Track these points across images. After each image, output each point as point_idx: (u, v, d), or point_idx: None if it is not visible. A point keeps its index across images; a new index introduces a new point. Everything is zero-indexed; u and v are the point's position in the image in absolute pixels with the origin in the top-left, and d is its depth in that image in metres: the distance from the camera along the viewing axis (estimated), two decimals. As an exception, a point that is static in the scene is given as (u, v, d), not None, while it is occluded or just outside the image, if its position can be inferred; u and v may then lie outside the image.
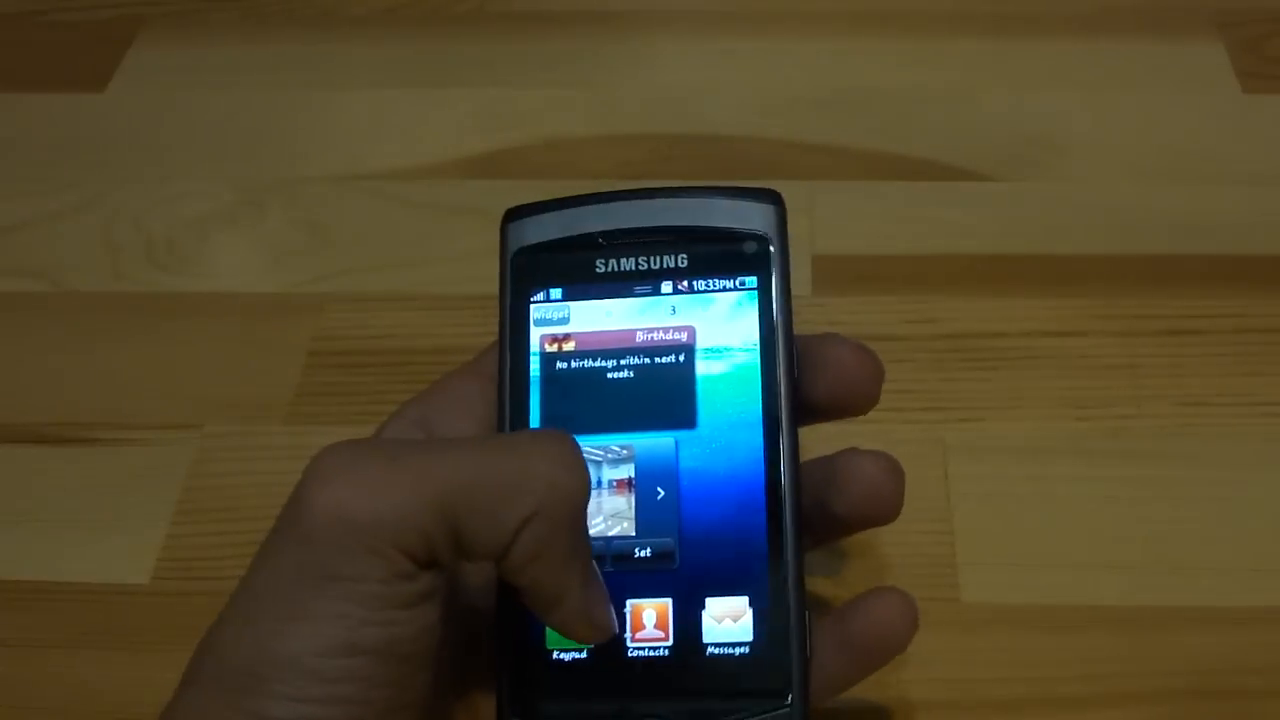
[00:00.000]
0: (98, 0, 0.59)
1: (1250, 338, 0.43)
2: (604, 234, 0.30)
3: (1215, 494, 0.39)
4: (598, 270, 0.30)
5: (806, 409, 0.29)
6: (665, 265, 0.30)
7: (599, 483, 0.29)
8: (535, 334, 0.30)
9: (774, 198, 0.30)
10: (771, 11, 0.56)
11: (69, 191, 0.51)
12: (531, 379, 0.30)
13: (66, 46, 0.58)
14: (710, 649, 0.28)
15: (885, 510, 0.29)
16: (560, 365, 0.30)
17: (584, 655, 0.28)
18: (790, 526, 0.28)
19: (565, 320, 0.30)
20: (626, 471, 0.29)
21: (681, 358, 0.29)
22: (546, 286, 0.30)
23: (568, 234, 0.30)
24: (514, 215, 0.31)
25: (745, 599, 0.28)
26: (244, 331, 0.46)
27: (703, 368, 0.29)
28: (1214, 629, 0.36)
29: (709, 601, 0.28)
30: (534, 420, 0.29)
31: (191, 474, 0.42)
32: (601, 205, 0.30)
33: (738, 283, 0.30)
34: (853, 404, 0.30)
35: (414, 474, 0.24)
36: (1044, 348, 0.43)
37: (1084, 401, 0.42)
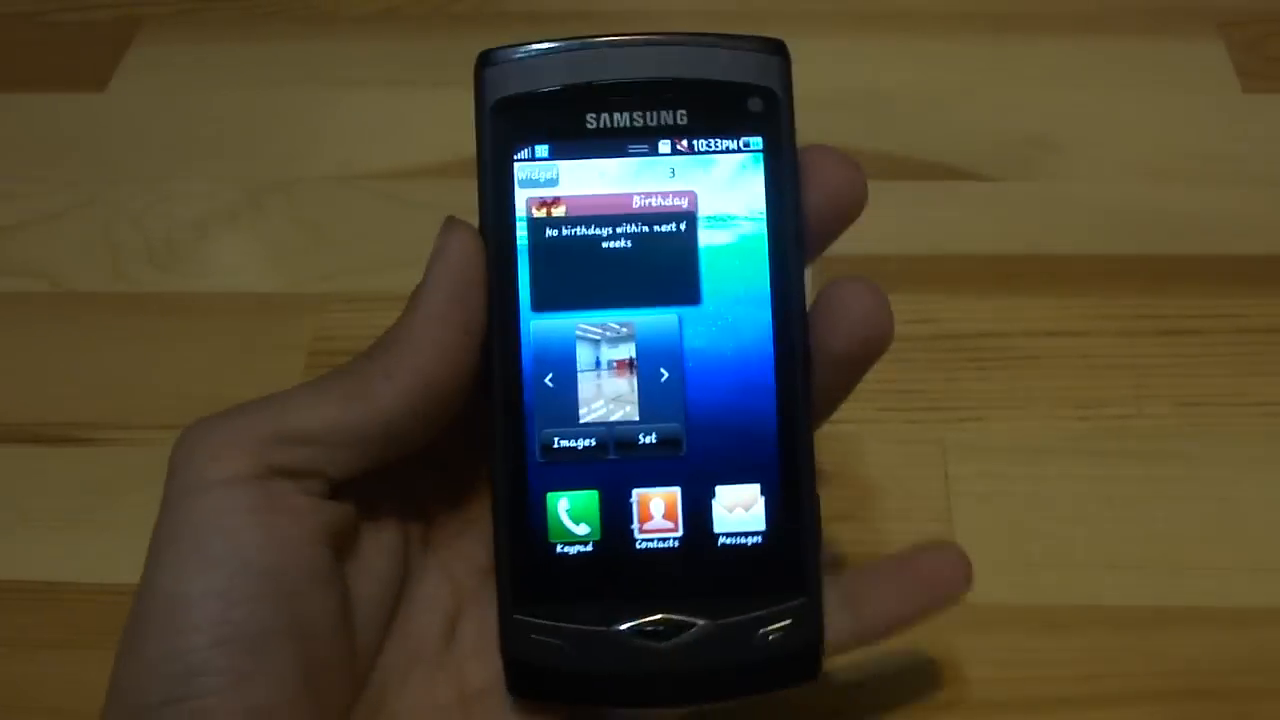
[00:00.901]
0: (98, 0, 0.59)
1: (1250, 338, 0.43)
2: (595, 85, 0.27)
3: (1215, 494, 0.39)
4: (588, 126, 0.27)
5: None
6: (663, 122, 0.27)
7: (597, 363, 0.27)
8: (521, 196, 0.27)
9: (778, 47, 0.28)
10: (771, 11, 0.56)
11: (69, 191, 0.51)
12: (518, 247, 0.27)
13: (66, 46, 0.58)
14: (722, 539, 0.27)
15: (882, 331, 0.27)
16: (550, 232, 0.27)
17: (589, 548, 0.27)
18: (802, 409, 0.27)
19: (554, 182, 0.27)
20: (627, 351, 0.27)
21: (683, 226, 0.27)
22: (532, 143, 0.27)
23: (554, 84, 0.27)
24: (490, 59, 0.27)
25: (757, 486, 0.27)
26: (244, 331, 0.46)
27: (706, 238, 0.27)
28: (1214, 629, 0.36)
29: (719, 490, 0.27)
30: (523, 293, 0.27)
31: (191, 474, 0.41)
32: (589, 52, 0.28)
33: (742, 144, 0.27)
34: (845, 213, 0.28)
35: (256, 409, 0.26)
36: (1044, 348, 0.44)
37: (1084, 401, 0.42)
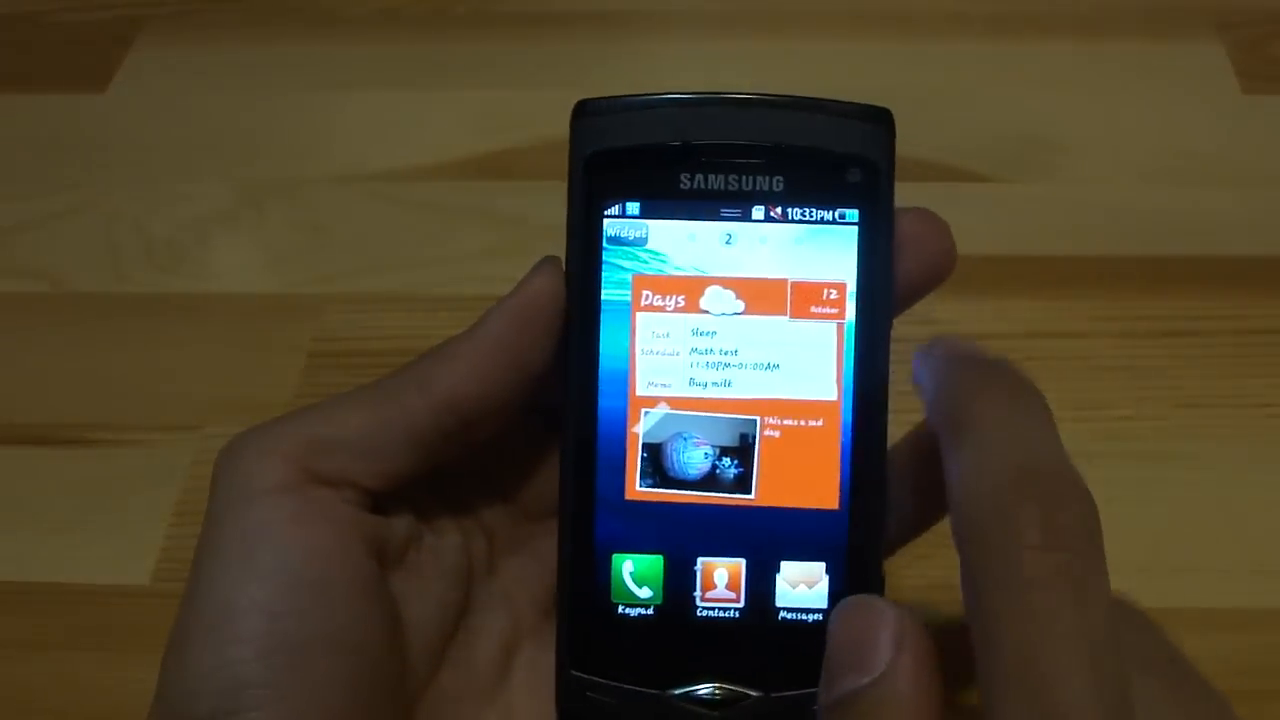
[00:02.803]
0: (98, 0, 0.59)
1: (1249, 338, 0.43)
2: (692, 145, 0.26)
3: (1215, 494, 0.39)
4: (681, 186, 0.26)
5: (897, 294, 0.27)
6: (759, 188, 0.26)
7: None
8: (608, 252, 0.27)
9: (883, 116, 0.27)
10: (771, 12, 0.57)
11: (69, 191, 0.51)
12: (602, 303, 0.27)
13: (66, 46, 0.58)
14: (783, 614, 0.26)
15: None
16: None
17: (650, 612, 0.27)
18: (876, 491, 0.26)
19: (643, 241, 0.26)
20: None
21: (771, 296, 0.27)
22: (623, 199, 0.26)
23: (650, 140, 0.26)
24: (588, 110, 0.27)
25: (822, 564, 0.26)
26: (244, 332, 0.46)
27: (794, 309, 0.27)
28: (1214, 629, 0.36)
29: (784, 565, 0.26)
30: (604, 349, 0.27)
31: (191, 475, 0.42)
32: (688, 109, 0.26)
33: (838, 215, 0.26)
34: (934, 281, 0.27)
35: (293, 419, 0.26)
36: (1044, 348, 0.43)
37: (1083, 402, 0.42)
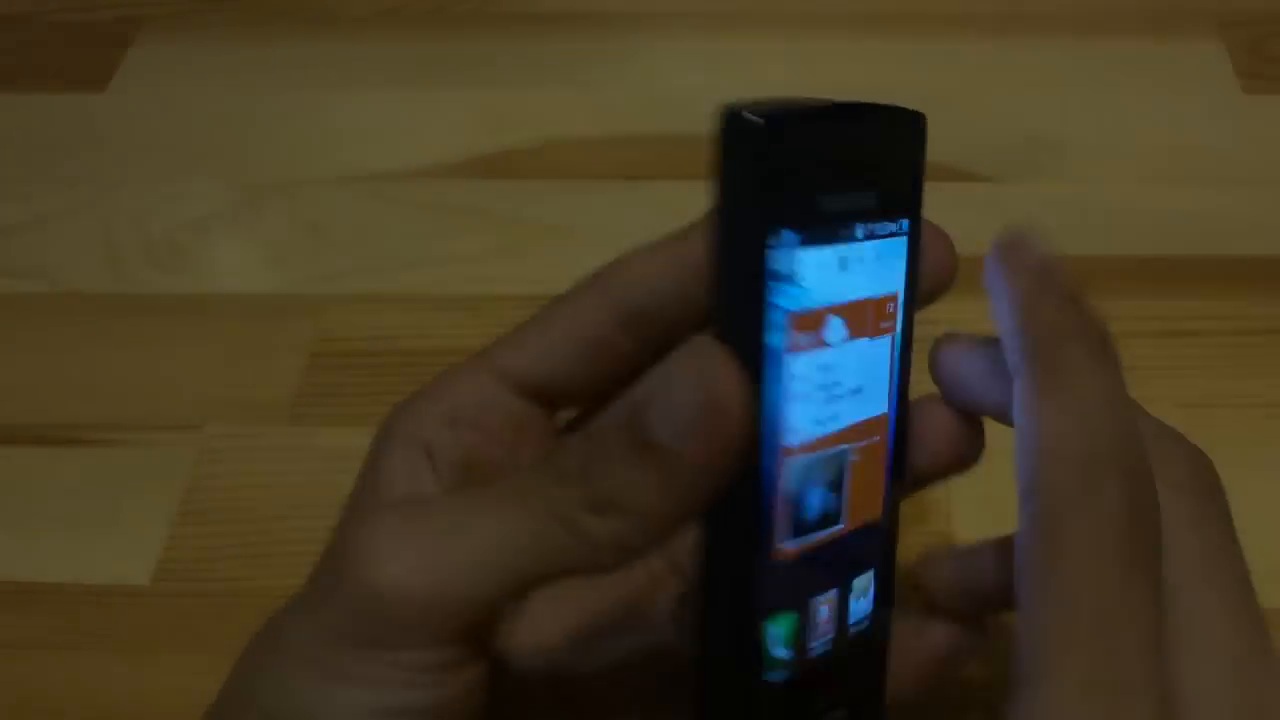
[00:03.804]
0: (98, 0, 0.59)
1: (1249, 339, 0.43)
2: (830, 162, 0.23)
3: (1215, 494, 0.39)
4: (822, 208, 0.23)
5: None
6: (863, 204, 0.24)
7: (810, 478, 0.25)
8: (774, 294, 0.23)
9: (922, 122, 0.26)
10: (772, 12, 0.56)
11: (69, 191, 0.51)
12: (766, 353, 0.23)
13: (66, 46, 0.58)
14: (851, 629, 0.26)
15: (969, 458, 0.28)
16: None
17: (786, 672, 0.25)
18: (897, 490, 0.27)
19: (795, 273, 0.23)
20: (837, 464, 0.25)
21: (883, 322, 0.25)
22: (783, 226, 0.22)
23: (814, 159, 0.23)
24: (752, 125, 0.22)
25: (871, 571, 0.26)
26: (244, 332, 0.46)
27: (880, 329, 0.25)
28: (1214, 630, 0.36)
29: (854, 582, 0.26)
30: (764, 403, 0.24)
31: (192, 475, 0.42)
32: (823, 123, 0.24)
33: (899, 226, 0.25)
34: (935, 295, 0.27)
35: (475, 541, 0.23)
36: (1044, 348, 0.43)
37: (1084, 402, 0.42)
